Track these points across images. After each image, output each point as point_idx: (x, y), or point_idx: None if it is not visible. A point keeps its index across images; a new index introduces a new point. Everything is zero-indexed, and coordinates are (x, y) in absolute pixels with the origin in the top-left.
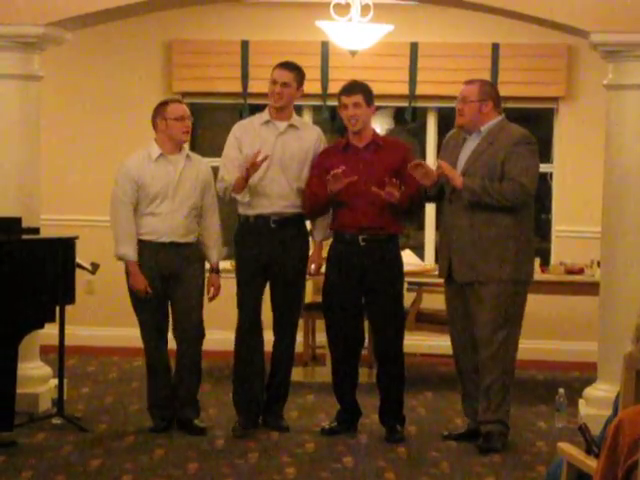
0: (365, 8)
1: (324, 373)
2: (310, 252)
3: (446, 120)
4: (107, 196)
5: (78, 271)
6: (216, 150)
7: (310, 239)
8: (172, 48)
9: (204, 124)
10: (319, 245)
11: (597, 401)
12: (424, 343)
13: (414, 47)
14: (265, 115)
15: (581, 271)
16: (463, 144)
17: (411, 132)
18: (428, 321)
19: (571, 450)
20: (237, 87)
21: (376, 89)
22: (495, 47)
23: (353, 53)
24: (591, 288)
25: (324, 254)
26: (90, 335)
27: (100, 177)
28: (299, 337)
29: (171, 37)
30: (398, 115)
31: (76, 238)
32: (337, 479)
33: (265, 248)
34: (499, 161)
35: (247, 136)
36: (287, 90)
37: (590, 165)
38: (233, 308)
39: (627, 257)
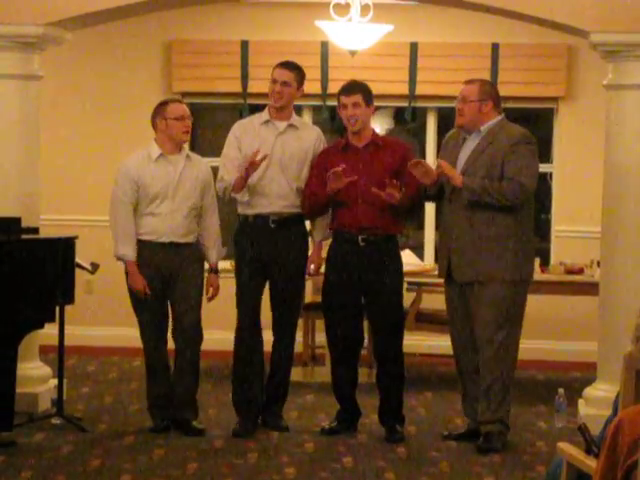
0: (365, 8)
1: (324, 373)
2: (309, 252)
3: (446, 120)
4: (107, 196)
5: (78, 271)
6: (216, 150)
7: (309, 239)
8: (172, 48)
9: (204, 124)
10: (318, 245)
11: (597, 401)
12: (424, 343)
13: (414, 47)
14: (265, 115)
15: (581, 271)
16: (463, 144)
17: (411, 132)
18: (428, 321)
19: (571, 450)
20: (237, 87)
21: (376, 89)
22: (495, 47)
23: (353, 53)
24: (591, 288)
25: (323, 254)
26: (90, 335)
27: (100, 177)
28: (299, 337)
29: (171, 37)
30: (398, 115)
31: (76, 238)
32: (337, 479)
33: (264, 248)
34: (499, 161)
35: (247, 136)
36: (287, 89)
37: (590, 165)
38: (232, 308)
39: (627, 257)
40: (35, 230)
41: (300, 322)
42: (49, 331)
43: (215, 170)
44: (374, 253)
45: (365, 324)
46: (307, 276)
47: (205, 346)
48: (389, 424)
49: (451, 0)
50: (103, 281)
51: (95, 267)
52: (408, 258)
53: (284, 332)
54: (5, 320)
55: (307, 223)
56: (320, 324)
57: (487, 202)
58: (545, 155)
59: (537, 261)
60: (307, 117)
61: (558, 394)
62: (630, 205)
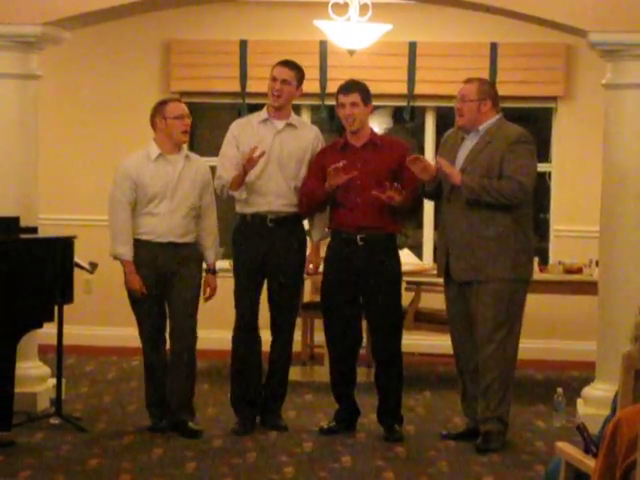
0: (363, 7)
1: (322, 372)
2: (308, 251)
3: (444, 119)
4: (105, 196)
5: (76, 270)
6: (214, 150)
7: (308, 238)
8: (170, 48)
9: (202, 124)
10: (317, 245)
11: (595, 400)
12: (422, 342)
13: (412, 46)
14: (263, 114)
15: (579, 270)
16: (461, 143)
17: (409, 131)
18: (426, 320)
19: (569, 449)
20: (235, 87)
21: (374, 88)
22: (493, 46)
23: (351, 52)
24: (590, 287)
25: (322, 254)
26: (88, 334)
27: (98, 176)
28: (297, 336)
29: (169, 37)
30: (396, 114)
31: (74, 237)
32: (335, 479)
33: (262, 247)
34: (497, 160)
35: (245, 134)
36: (287, 88)
37: (588, 164)
38: (231, 307)
39: (625, 256)
40: (34, 230)
41: (299, 321)
42: (48, 330)
43: (214, 170)
44: (373, 252)
45: (364, 324)
46: (305, 276)
47: (203, 346)
48: (388, 423)
49: None
50: (102, 281)
51: (94, 267)
52: (407, 257)
53: (282, 331)
54: (4, 319)
55: (305, 223)
56: (319, 323)
57: (486, 201)
58: (544, 154)
59: (536, 260)
60: (306, 116)
61: (557, 393)
62: (629, 204)
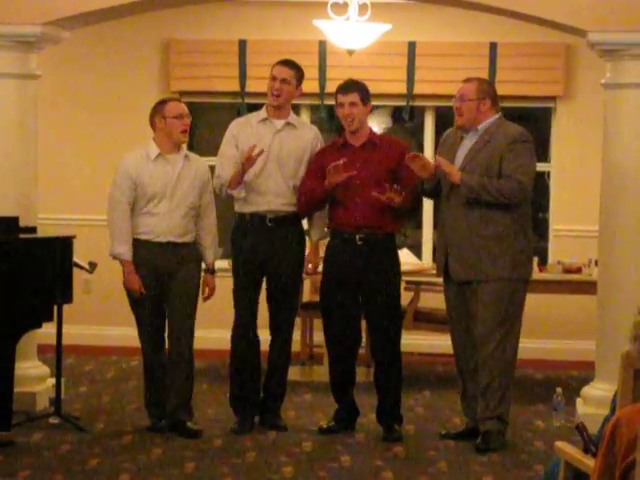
0: (363, 7)
1: (322, 372)
2: (307, 251)
3: (444, 119)
4: (105, 195)
5: (76, 270)
6: (214, 149)
7: (307, 238)
8: (170, 47)
9: (202, 123)
10: (316, 245)
11: (595, 400)
12: (422, 342)
13: (412, 46)
14: (262, 113)
15: (579, 270)
16: (460, 142)
17: (409, 131)
18: (426, 320)
19: (569, 449)
20: (235, 86)
21: (374, 88)
22: (493, 46)
23: (351, 52)
24: (589, 287)
25: (321, 253)
26: (88, 334)
27: (97, 176)
28: (297, 336)
29: (169, 36)
30: (396, 114)
31: (74, 237)
32: (335, 478)
33: (261, 247)
34: (496, 159)
35: (244, 134)
36: (286, 87)
37: (588, 164)
38: (230, 307)
39: (625, 256)
40: (33, 229)
41: (298, 321)
42: (47, 330)
43: (213, 169)
44: (372, 252)
45: (363, 323)
46: (304, 275)
47: (202, 345)
48: (387, 423)
49: None
50: (101, 280)
51: (93, 266)
52: (406, 257)
53: (281, 331)
54: (3, 319)
55: (304, 222)
56: (318, 323)
57: (485, 200)
58: (543, 154)
59: (535, 260)
60: (305, 116)
61: (556, 393)
62: (628, 204)
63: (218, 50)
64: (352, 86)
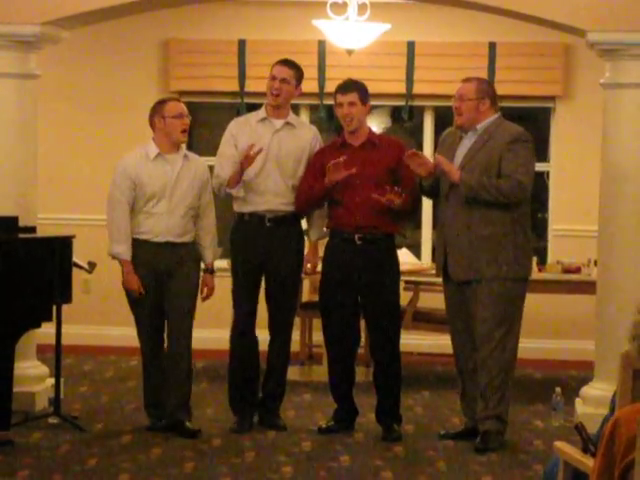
0: (362, 7)
1: (321, 372)
2: (306, 251)
3: (443, 119)
4: (104, 195)
5: (75, 270)
6: (213, 149)
7: (306, 238)
8: (169, 47)
9: (201, 123)
10: (315, 244)
11: (594, 400)
12: (421, 342)
13: (411, 46)
14: (262, 113)
15: (578, 270)
16: (460, 142)
17: (408, 131)
18: (425, 320)
19: (568, 449)
20: (234, 86)
21: (373, 88)
22: (492, 46)
23: (350, 52)
24: (588, 287)
25: (320, 253)
26: (87, 334)
27: (97, 176)
28: (296, 336)
29: (168, 36)
30: (395, 114)
31: (73, 237)
32: (334, 478)
33: (260, 247)
34: (495, 159)
35: (243, 133)
36: (286, 87)
37: (587, 164)
38: (229, 307)
39: (624, 256)
40: (32, 229)
41: (297, 321)
42: (46, 330)
43: (213, 169)
44: (371, 252)
45: (362, 323)
46: (304, 275)
47: (201, 345)
48: (386, 423)
49: None
50: (100, 280)
51: (92, 266)
52: (405, 257)
53: (280, 331)
54: (2, 319)
55: (304, 222)
56: (317, 323)
57: (484, 199)
58: (542, 154)
59: (534, 260)
60: (304, 116)
61: (555, 393)
62: (627, 203)
63: (217, 50)
64: (351, 86)
